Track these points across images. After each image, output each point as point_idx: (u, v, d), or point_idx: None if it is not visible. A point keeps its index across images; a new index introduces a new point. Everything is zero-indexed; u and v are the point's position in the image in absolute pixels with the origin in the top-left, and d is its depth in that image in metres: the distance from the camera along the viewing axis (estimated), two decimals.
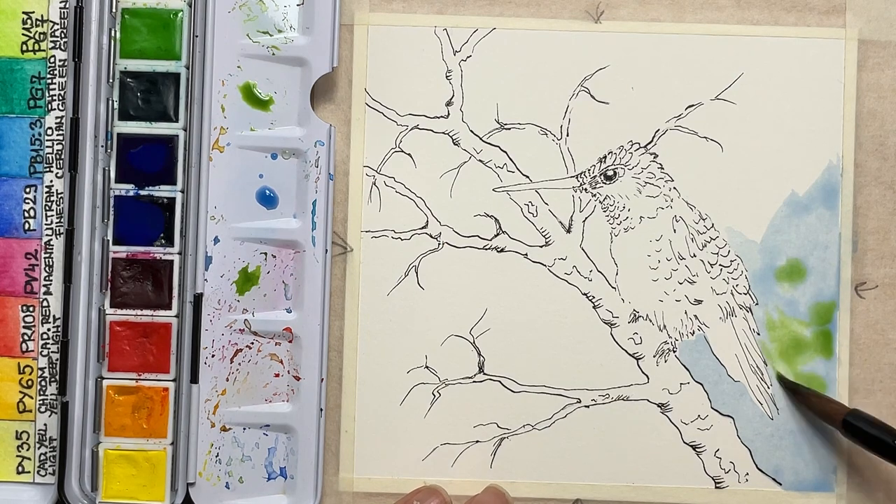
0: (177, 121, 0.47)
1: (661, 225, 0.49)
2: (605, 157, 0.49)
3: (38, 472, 0.48)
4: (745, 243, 0.49)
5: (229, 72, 0.47)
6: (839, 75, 0.49)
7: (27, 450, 0.48)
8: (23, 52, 0.48)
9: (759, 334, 0.49)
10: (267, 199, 0.48)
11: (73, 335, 0.47)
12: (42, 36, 0.48)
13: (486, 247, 0.49)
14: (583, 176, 0.49)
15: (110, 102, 0.47)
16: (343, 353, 0.48)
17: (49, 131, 0.48)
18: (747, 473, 0.48)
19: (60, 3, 0.48)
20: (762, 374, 0.48)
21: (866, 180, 0.49)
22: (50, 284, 0.48)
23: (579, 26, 0.49)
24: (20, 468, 0.48)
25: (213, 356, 0.47)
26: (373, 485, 0.48)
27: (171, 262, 0.47)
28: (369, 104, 0.49)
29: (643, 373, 0.49)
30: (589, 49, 0.49)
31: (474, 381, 0.49)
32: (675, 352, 0.49)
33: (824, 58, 0.49)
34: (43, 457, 0.48)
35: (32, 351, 0.48)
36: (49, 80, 0.48)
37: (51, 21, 0.48)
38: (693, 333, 0.49)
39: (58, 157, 0.48)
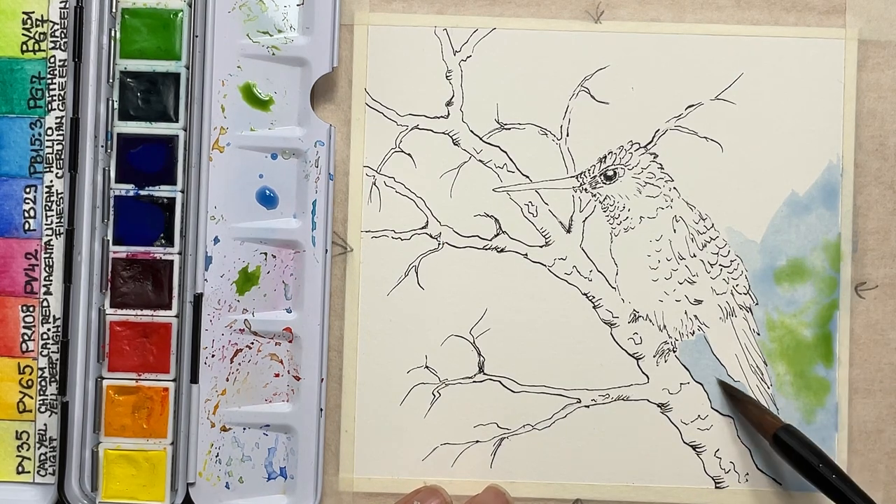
0: (177, 121, 0.47)
1: (661, 225, 0.49)
2: (605, 157, 0.49)
3: (38, 472, 0.48)
4: (745, 243, 0.49)
5: (229, 72, 0.47)
6: (839, 75, 0.49)
7: (27, 450, 0.48)
8: (23, 52, 0.48)
9: (759, 334, 0.48)
10: (267, 199, 0.48)
11: (73, 335, 0.47)
12: (42, 36, 0.48)
13: (486, 247, 0.49)
14: (583, 176, 0.49)
15: (110, 102, 0.47)
16: (343, 353, 0.48)
17: (49, 131, 0.48)
18: (747, 473, 0.48)
19: (60, 3, 0.48)
20: (762, 374, 0.48)
21: (866, 180, 0.49)
22: (50, 284, 0.48)
23: (579, 26, 0.49)
24: (20, 468, 0.48)
25: (213, 356, 0.47)
26: (373, 485, 0.48)
27: (171, 262, 0.47)
28: (369, 104, 0.49)
29: (643, 373, 0.49)
30: (589, 49, 0.49)
31: (474, 381, 0.49)
32: (675, 352, 0.49)
33: (824, 58, 0.49)
34: (43, 457, 0.48)
35: (32, 351, 0.48)
36: (49, 80, 0.48)
37: (51, 21, 0.48)
38: (693, 333, 0.49)
39: (58, 157, 0.48)
